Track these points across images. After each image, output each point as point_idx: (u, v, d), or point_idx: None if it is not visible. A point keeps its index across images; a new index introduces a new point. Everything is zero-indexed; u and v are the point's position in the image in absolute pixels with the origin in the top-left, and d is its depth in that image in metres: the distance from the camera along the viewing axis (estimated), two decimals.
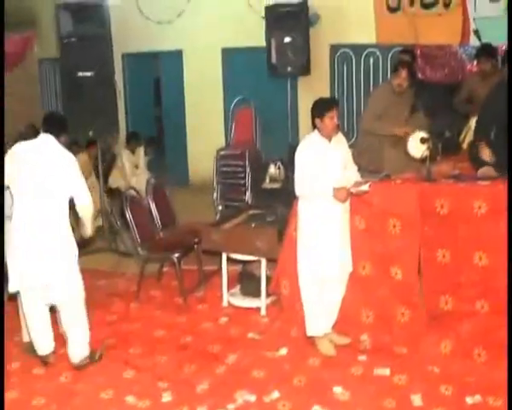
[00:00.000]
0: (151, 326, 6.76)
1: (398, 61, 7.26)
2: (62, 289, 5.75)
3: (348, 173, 5.95)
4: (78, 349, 5.90)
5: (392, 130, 6.81)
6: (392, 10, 9.97)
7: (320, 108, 5.82)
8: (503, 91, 6.38)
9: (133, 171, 10.83)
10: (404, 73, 7.00)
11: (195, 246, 7.55)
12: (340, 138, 5.99)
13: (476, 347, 5.81)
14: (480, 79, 8.31)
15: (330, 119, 5.75)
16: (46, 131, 5.76)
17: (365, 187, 5.77)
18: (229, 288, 7.24)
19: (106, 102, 8.91)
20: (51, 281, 5.71)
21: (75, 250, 5.84)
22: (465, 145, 7.48)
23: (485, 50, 8.44)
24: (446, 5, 9.60)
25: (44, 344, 5.96)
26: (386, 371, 5.67)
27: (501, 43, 8.85)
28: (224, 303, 7.18)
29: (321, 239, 5.86)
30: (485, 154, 6.34)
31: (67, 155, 5.75)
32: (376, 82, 10.52)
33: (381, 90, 7.60)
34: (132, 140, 10.96)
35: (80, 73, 8.79)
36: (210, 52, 12.22)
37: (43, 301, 5.82)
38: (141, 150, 11.05)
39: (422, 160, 6.34)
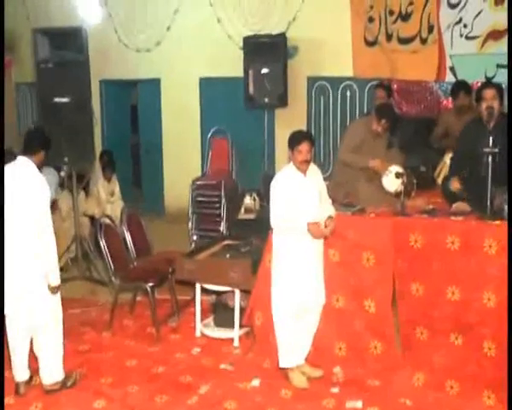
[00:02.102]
0: (123, 356, 6.79)
1: (379, 110, 7.33)
2: (42, 312, 5.78)
3: (323, 207, 6.04)
4: (52, 373, 5.93)
5: (367, 163, 6.91)
6: (370, 44, 10.13)
7: (291, 140, 5.95)
8: (477, 128, 6.54)
9: (108, 198, 10.83)
10: (383, 122, 7.11)
11: (170, 276, 7.59)
12: (315, 171, 6.10)
13: (449, 379, 5.92)
14: (456, 116, 8.46)
15: (299, 152, 5.87)
16: (25, 147, 5.79)
17: (329, 230, 5.88)
18: (202, 318, 7.28)
19: (82, 128, 8.93)
20: (32, 304, 5.73)
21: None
22: (440, 180, 7.58)
23: (462, 87, 8.59)
24: (423, 41, 9.78)
25: (19, 372, 5.97)
26: (359, 404, 5.75)
27: (475, 80, 9.05)
28: (197, 334, 7.22)
29: (295, 271, 5.94)
30: (455, 185, 6.49)
31: (40, 185, 5.71)
32: (353, 115, 10.64)
33: (357, 125, 7.69)
34: (108, 167, 10.98)
35: (57, 99, 8.81)
36: (188, 81, 12.29)
37: (25, 327, 5.84)
38: (116, 177, 11.07)
39: (397, 194, 6.47)
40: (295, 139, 5.93)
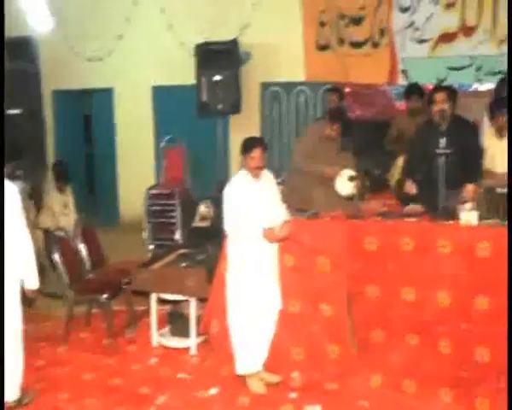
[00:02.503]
0: (80, 370, 6.73)
1: (331, 114, 7.39)
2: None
3: (277, 212, 6.06)
4: (7, 392, 5.82)
5: (323, 170, 6.96)
6: (322, 48, 10.22)
7: (244, 147, 5.98)
8: (429, 130, 6.64)
9: (62, 210, 10.72)
10: (336, 127, 7.15)
11: (125, 286, 7.55)
12: (268, 177, 6.13)
13: (406, 379, 5.98)
14: (409, 118, 8.55)
15: (251, 158, 5.90)
16: None
17: (284, 233, 5.89)
18: (159, 328, 7.25)
19: (34, 139, 8.87)
20: None
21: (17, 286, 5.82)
22: (393, 183, 7.67)
23: (414, 90, 8.69)
24: (375, 45, 9.90)
25: None
26: (317, 408, 5.77)
27: (427, 82, 9.17)
28: (154, 344, 7.19)
29: (250, 278, 5.95)
30: (409, 187, 6.57)
31: (10, 191, 5.68)
32: (307, 119, 10.71)
33: (310, 130, 7.76)
34: (61, 178, 10.87)
35: (8, 110, 8.74)
36: (141, 90, 12.27)
37: None
38: (69, 189, 10.97)
39: (351, 197, 6.52)
40: (248, 145, 5.96)
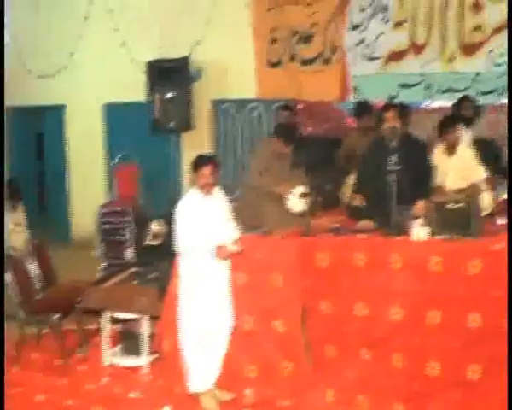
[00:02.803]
0: (32, 391, 6.65)
1: (279, 130, 7.44)
2: None
3: (227, 230, 6.08)
4: None
5: (276, 188, 6.99)
6: (273, 65, 10.28)
7: (194, 164, 6.00)
8: (380, 147, 6.72)
9: (14, 229, 10.60)
10: (284, 142, 7.18)
11: (77, 305, 7.47)
12: (219, 194, 6.13)
13: (360, 394, 6.02)
14: (360, 135, 8.59)
15: (202, 176, 5.91)
16: None
17: (236, 248, 5.92)
18: (111, 347, 7.20)
19: None
20: None
21: None
22: (345, 199, 7.72)
23: (364, 109, 8.75)
24: (326, 62, 10.00)
25: None
26: None
27: (378, 99, 9.28)
28: (106, 363, 7.12)
29: (202, 295, 5.95)
30: (358, 200, 6.64)
31: None
32: (259, 136, 10.72)
33: (262, 146, 7.78)
34: (13, 197, 10.75)
35: None
36: (93, 107, 12.21)
37: None
38: (21, 207, 10.85)
39: (302, 214, 6.55)
40: (197, 163, 5.98)
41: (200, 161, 5.99)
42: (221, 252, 5.85)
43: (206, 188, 5.95)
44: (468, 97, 8.76)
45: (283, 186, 6.91)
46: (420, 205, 6.41)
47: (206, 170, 5.91)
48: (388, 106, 7.23)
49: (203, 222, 5.90)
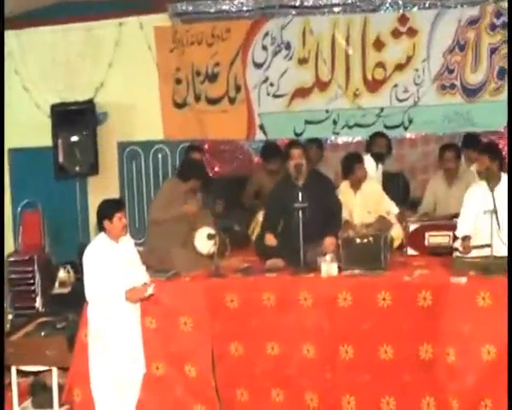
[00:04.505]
0: None
1: (182, 171, 7.53)
2: None
3: (138, 274, 6.07)
4: None
5: (180, 210, 7.07)
6: (179, 106, 10.27)
7: (106, 209, 5.96)
8: (287, 185, 6.86)
9: None
10: (191, 184, 7.30)
11: None
12: (127, 238, 6.13)
13: None
14: (267, 174, 8.75)
15: (118, 219, 5.91)
16: None
17: (150, 290, 5.92)
18: (21, 402, 7.05)
19: None
20: None
21: None
22: (253, 238, 7.79)
23: (271, 152, 8.91)
24: (232, 101, 10.05)
25: None
26: None
27: (284, 137, 9.48)
28: None
29: (112, 343, 5.92)
30: (269, 239, 6.74)
31: None
32: (165, 178, 10.69)
33: (167, 185, 7.78)
34: None
35: None
36: None
37: None
38: None
39: (210, 255, 6.60)
40: (111, 207, 5.97)
41: (112, 206, 6.00)
42: (132, 295, 5.84)
43: (120, 232, 5.96)
44: (380, 133, 9.01)
45: (193, 208, 7.05)
46: (329, 241, 6.55)
47: (122, 215, 5.93)
48: (293, 143, 7.41)
49: (112, 268, 5.88)
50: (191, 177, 7.28)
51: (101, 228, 6.01)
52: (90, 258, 5.94)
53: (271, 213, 7.13)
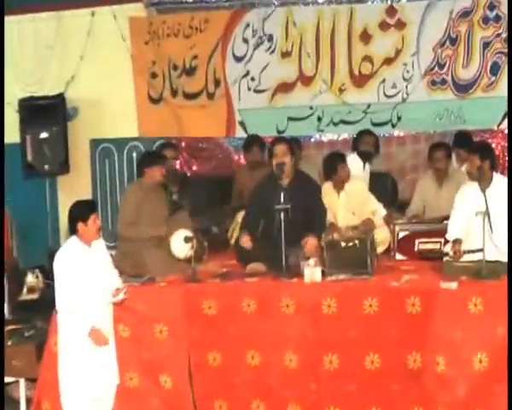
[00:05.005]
0: None
1: (138, 166, 7.50)
2: None
3: (109, 280, 6.06)
4: None
5: (151, 232, 7.01)
6: (155, 101, 10.25)
7: (80, 211, 5.93)
8: (270, 184, 6.84)
9: None
10: (151, 174, 7.23)
11: None
12: (99, 242, 6.10)
13: None
14: (249, 172, 8.74)
15: (93, 221, 5.88)
16: None
17: (121, 295, 5.91)
18: None
19: None
20: None
21: None
22: (233, 241, 7.78)
23: (253, 141, 8.92)
24: (210, 96, 10.04)
25: None
26: None
27: (267, 134, 9.43)
28: None
29: (84, 352, 5.89)
30: (245, 241, 6.74)
31: None
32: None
33: (130, 191, 7.53)
34: None
35: None
36: None
37: None
38: None
39: (187, 260, 6.58)
40: (86, 210, 5.95)
41: (87, 208, 5.98)
42: (96, 337, 5.85)
43: (97, 237, 5.97)
44: (367, 131, 8.97)
45: (163, 228, 6.97)
46: (310, 243, 6.52)
47: (96, 217, 5.91)
48: (277, 140, 7.33)
49: (85, 274, 5.85)
50: (145, 166, 7.26)
51: (73, 231, 5.98)
52: (61, 264, 5.90)
53: (251, 212, 7.09)
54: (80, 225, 5.89)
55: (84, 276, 5.85)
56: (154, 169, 7.21)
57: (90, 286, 5.84)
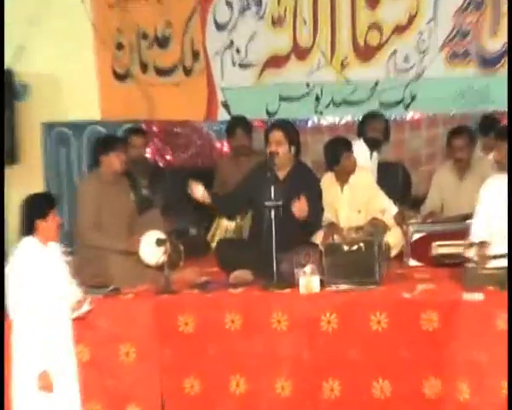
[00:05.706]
0: None
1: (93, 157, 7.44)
2: None
3: (66, 290, 6.01)
4: None
5: (117, 245, 6.96)
6: (121, 78, 10.18)
7: (38, 206, 5.86)
8: (262, 176, 6.75)
9: None
10: (114, 158, 7.17)
11: None
12: (53, 245, 6.04)
13: None
14: (234, 161, 8.75)
15: (52, 218, 5.82)
16: None
17: (85, 307, 5.86)
18: None
19: None
20: None
21: None
22: (214, 245, 7.76)
23: (238, 124, 8.87)
24: (187, 72, 10.00)
25: None
26: None
27: (255, 117, 9.39)
28: None
29: (39, 377, 5.84)
30: (194, 187, 6.92)
31: None
32: None
33: (87, 185, 7.44)
34: None
35: None
36: None
37: None
38: None
39: (160, 266, 6.55)
40: (36, 206, 5.88)
41: (48, 203, 5.90)
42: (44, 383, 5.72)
43: (56, 235, 5.91)
44: (375, 113, 8.97)
45: (136, 243, 6.91)
46: (302, 202, 6.53)
47: (56, 214, 5.85)
48: (273, 126, 7.30)
49: (42, 278, 5.77)
50: (100, 153, 7.21)
51: (29, 230, 5.91)
52: (15, 265, 5.83)
53: (233, 195, 7.28)
54: (40, 223, 5.79)
55: (41, 279, 5.76)
56: (112, 156, 7.14)
57: (49, 295, 5.78)
